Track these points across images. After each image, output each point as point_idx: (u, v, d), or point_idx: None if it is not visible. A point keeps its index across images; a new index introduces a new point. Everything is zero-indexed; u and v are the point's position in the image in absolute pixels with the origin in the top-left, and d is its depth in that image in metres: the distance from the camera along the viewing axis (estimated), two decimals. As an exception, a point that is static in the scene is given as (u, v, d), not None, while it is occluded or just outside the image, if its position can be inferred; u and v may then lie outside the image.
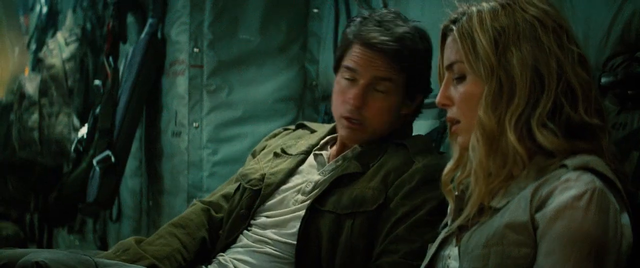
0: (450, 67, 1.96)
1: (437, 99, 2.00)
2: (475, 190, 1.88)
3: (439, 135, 2.80)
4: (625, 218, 1.75)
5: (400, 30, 2.54)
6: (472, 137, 1.87)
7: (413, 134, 2.71)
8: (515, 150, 1.82)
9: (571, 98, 1.83)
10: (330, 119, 3.55)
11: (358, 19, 2.62)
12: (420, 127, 2.85)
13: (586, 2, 2.19)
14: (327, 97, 3.75)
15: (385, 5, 3.25)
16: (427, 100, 2.74)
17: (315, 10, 3.86)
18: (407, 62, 2.55)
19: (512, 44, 1.84)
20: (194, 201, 2.87)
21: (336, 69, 2.65)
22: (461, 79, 1.93)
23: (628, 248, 1.75)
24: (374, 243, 2.44)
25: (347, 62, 2.57)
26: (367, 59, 2.53)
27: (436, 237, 2.26)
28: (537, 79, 1.82)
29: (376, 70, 2.53)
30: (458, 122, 1.96)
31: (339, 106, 2.59)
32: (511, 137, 1.82)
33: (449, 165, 2.05)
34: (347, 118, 2.57)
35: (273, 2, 3.84)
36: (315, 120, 3.77)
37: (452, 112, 1.97)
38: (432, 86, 2.65)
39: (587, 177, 1.73)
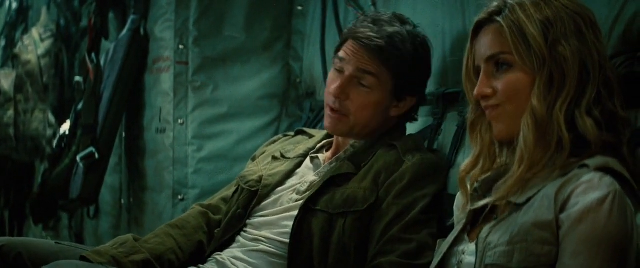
0: (492, 58, 1.99)
1: (479, 90, 2.01)
2: (516, 173, 1.90)
3: (432, 132, 2.82)
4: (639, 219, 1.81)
5: (391, 30, 2.60)
6: (523, 125, 1.90)
7: (407, 134, 2.75)
8: (561, 136, 1.87)
9: (609, 90, 1.90)
10: (315, 117, 3.59)
11: (358, 19, 2.70)
12: (414, 124, 2.87)
13: (587, 1, 2.23)
14: (310, 94, 3.78)
15: (374, 4, 3.28)
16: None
17: (300, 8, 3.89)
18: (393, 61, 2.60)
19: (561, 37, 1.90)
20: (188, 199, 2.89)
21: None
22: (506, 70, 1.97)
23: None
24: (365, 243, 2.47)
25: (340, 53, 2.64)
26: (353, 51, 2.60)
27: (432, 235, 2.30)
28: (584, 70, 1.89)
29: (360, 62, 2.59)
30: (497, 105, 1.98)
31: (325, 96, 2.67)
32: (562, 123, 1.86)
33: (467, 162, 2.09)
34: (330, 107, 2.63)
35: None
36: (299, 117, 3.81)
37: (492, 100, 2.00)
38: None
39: (608, 179, 1.77)
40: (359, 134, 2.67)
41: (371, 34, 2.58)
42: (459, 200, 2.15)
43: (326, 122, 2.66)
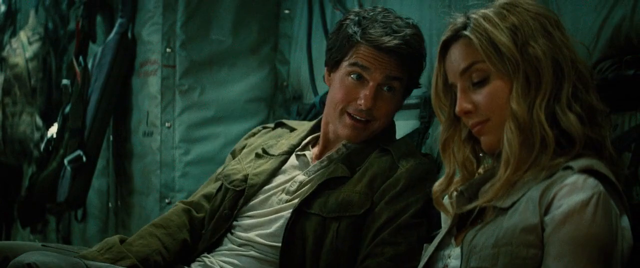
0: (467, 70, 1.99)
1: (460, 107, 2.00)
2: (503, 176, 1.90)
3: (419, 135, 2.83)
4: (625, 221, 1.81)
5: (409, 32, 2.58)
6: (505, 130, 1.91)
7: (397, 137, 2.74)
8: (544, 134, 1.87)
9: (585, 84, 1.91)
10: (302, 120, 3.58)
11: (355, 19, 2.62)
12: (402, 127, 2.88)
13: (574, 6, 2.24)
14: (297, 97, 3.78)
15: (361, 6, 3.28)
16: (410, 101, 2.78)
17: (287, 12, 3.90)
18: (415, 63, 2.61)
19: (530, 38, 1.91)
20: (176, 202, 2.88)
21: (334, 67, 2.66)
22: (482, 82, 1.97)
23: (628, 250, 1.80)
24: (358, 247, 2.47)
25: (356, 59, 2.57)
26: (379, 59, 2.56)
27: (421, 240, 2.30)
28: (557, 67, 1.90)
29: (388, 70, 2.56)
30: (485, 121, 1.98)
31: (341, 103, 2.61)
32: (544, 121, 1.87)
33: (439, 182, 2.10)
34: (351, 116, 2.60)
35: (245, 3, 3.86)
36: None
37: (476, 116, 1.99)
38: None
39: (592, 181, 1.78)
40: (371, 137, 2.65)
41: (396, 41, 2.55)
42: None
43: (347, 131, 2.61)
